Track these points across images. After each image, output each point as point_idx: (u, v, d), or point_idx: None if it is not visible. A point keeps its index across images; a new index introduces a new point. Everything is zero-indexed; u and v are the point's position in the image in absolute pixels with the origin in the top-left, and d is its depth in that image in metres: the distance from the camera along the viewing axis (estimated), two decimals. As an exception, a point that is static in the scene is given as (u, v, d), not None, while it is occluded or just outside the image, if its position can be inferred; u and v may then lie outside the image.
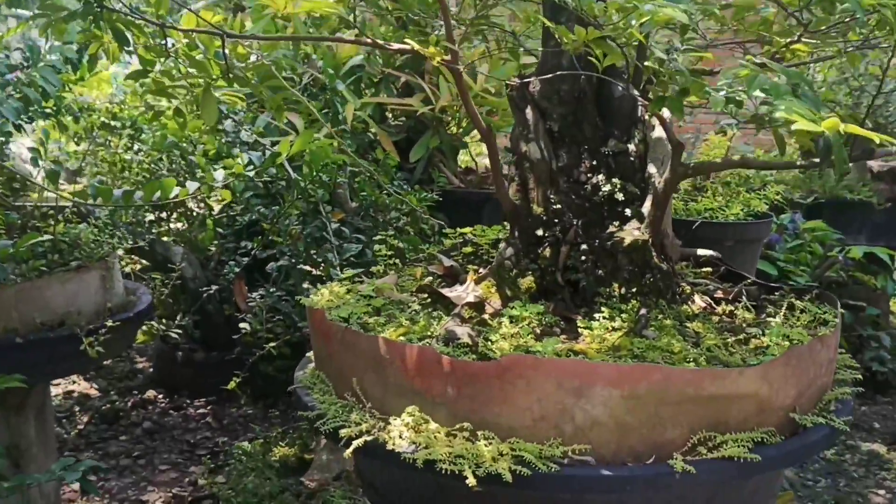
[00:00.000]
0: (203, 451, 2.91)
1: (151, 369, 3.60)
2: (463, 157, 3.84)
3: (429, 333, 1.32)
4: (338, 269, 2.27)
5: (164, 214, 3.16)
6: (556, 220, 1.50)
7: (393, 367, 1.21)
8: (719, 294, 1.54)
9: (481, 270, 1.54)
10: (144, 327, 2.84)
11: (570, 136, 1.53)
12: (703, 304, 1.47)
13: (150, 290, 2.27)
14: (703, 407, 1.13)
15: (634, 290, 1.41)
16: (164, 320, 2.93)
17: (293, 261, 2.36)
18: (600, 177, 1.50)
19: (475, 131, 3.45)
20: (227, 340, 2.79)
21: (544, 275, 1.48)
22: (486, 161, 4.62)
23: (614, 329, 1.33)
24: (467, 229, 1.84)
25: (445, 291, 1.46)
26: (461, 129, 3.46)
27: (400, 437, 1.16)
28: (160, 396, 3.36)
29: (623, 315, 1.37)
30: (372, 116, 3.07)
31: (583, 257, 1.46)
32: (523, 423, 1.13)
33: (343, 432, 1.19)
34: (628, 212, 1.49)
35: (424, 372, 1.17)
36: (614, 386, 1.10)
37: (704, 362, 1.23)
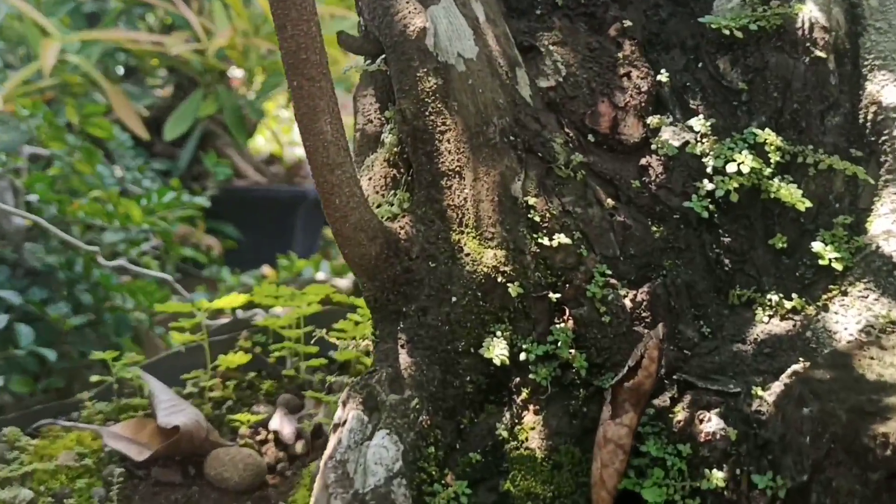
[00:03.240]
0: None
1: None
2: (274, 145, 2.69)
3: None
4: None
5: None
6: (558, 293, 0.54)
7: None
8: None
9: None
10: None
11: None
12: None
13: None
14: None
15: None
16: None
17: None
18: (699, 123, 0.38)
19: (277, 91, 2.23)
20: None
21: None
22: (300, 150, 3.21)
23: None
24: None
25: None
26: (255, 88, 2.26)
27: None
28: None
29: None
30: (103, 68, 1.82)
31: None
32: None
33: None
34: (834, 257, 0.42)
35: None
36: None
37: None
